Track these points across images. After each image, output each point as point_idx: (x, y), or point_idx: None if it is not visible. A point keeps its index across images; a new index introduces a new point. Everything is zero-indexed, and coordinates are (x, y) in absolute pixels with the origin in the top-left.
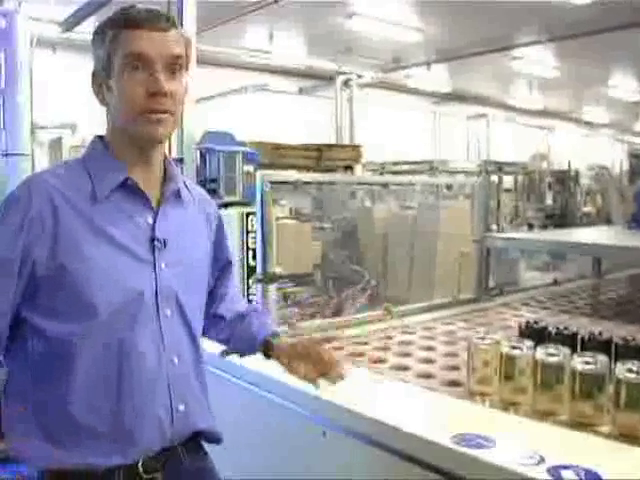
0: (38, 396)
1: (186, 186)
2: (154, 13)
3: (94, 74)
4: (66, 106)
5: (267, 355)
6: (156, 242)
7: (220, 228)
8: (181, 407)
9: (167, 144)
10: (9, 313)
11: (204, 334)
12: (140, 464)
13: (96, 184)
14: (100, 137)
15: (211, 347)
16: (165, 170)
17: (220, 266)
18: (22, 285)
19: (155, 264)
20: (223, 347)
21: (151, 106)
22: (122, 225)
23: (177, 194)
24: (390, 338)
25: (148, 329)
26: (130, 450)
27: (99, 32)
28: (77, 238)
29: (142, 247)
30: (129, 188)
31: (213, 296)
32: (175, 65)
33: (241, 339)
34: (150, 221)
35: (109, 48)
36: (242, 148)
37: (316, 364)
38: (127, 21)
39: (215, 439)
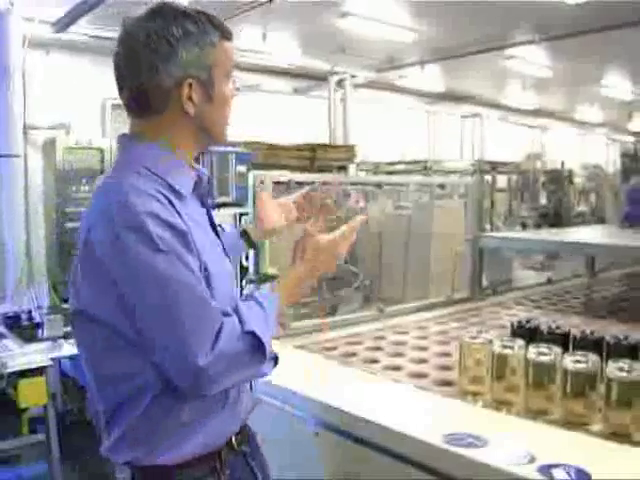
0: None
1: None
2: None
3: (190, 84)
4: (60, 107)
5: (251, 243)
6: (219, 228)
7: None
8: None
9: None
10: None
11: None
12: (234, 439)
13: (176, 185)
14: (140, 138)
15: None
16: None
17: None
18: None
19: (224, 248)
20: None
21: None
22: (203, 218)
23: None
24: (383, 338)
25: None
26: (233, 426)
27: (200, 34)
28: (196, 236)
29: (213, 234)
30: (195, 184)
31: None
32: None
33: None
34: (204, 209)
35: (214, 55)
36: (235, 149)
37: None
38: (225, 32)
39: None
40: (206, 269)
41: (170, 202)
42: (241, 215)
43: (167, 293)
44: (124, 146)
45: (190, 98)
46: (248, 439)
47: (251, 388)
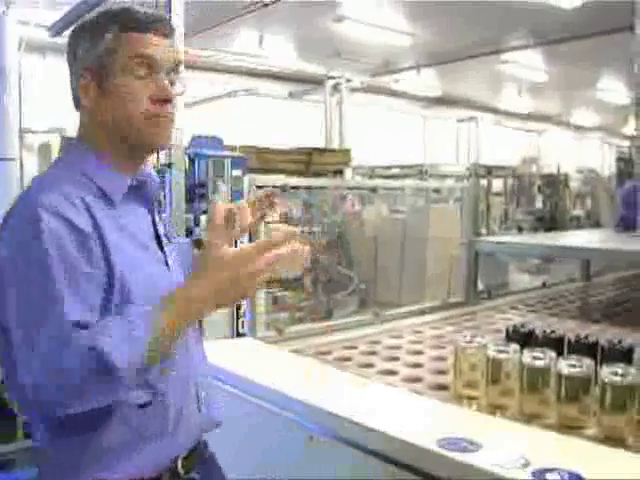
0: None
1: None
2: (160, 17)
3: (81, 75)
4: (55, 110)
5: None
6: (163, 239)
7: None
8: (203, 394)
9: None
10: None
11: None
12: (180, 464)
13: (106, 189)
14: (72, 139)
15: None
16: None
17: None
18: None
19: (167, 261)
20: None
21: (157, 111)
22: (139, 226)
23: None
24: (378, 342)
25: None
26: (173, 450)
27: (95, 27)
28: (115, 243)
29: (154, 245)
30: (133, 188)
31: None
32: (176, 72)
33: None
34: (150, 219)
35: (110, 47)
36: (231, 153)
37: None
38: (134, 22)
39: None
40: (117, 277)
41: (86, 203)
42: None
43: (21, 289)
44: (64, 147)
45: (85, 91)
46: (202, 461)
47: (199, 410)
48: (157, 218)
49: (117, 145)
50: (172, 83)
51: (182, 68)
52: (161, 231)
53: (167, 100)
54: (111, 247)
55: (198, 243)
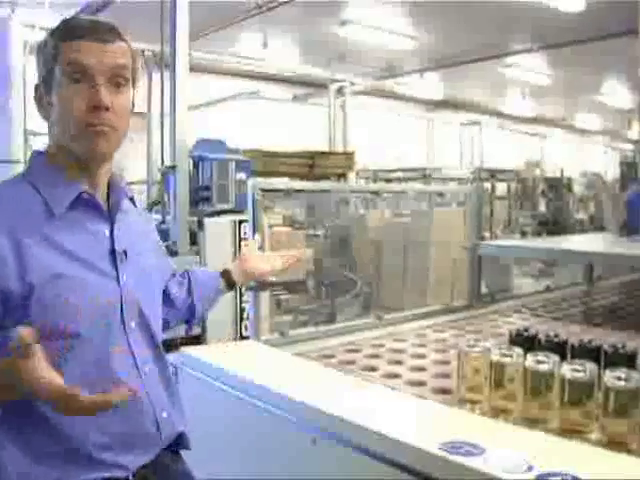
0: (22, 414)
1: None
2: (96, 23)
3: (36, 88)
4: None
5: (232, 284)
6: (117, 254)
7: (159, 240)
8: (164, 414)
9: (160, 152)
10: None
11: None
12: (131, 475)
13: (50, 200)
14: (40, 152)
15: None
16: (109, 182)
17: (169, 275)
18: None
19: (118, 277)
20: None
21: (91, 120)
22: (82, 240)
23: (124, 204)
24: (382, 346)
25: (120, 344)
26: (123, 464)
27: (41, 45)
28: (41, 257)
29: (104, 261)
30: (84, 201)
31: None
32: (119, 78)
33: (203, 293)
34: (107, 234)
35: (49, 60)
36: (235, 156)
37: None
38: (67, 32)
39: (187, 444)
40: (34, 293)
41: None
42: (240, 222)
43: None
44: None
45: (39, 105)
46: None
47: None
48: (118, 233)
49: (66, 156)
50: (116, 91)
51: (138, 76)
52: (120, 247)
53: (102, 107)
54: (30, 264)
55: (226, 274)
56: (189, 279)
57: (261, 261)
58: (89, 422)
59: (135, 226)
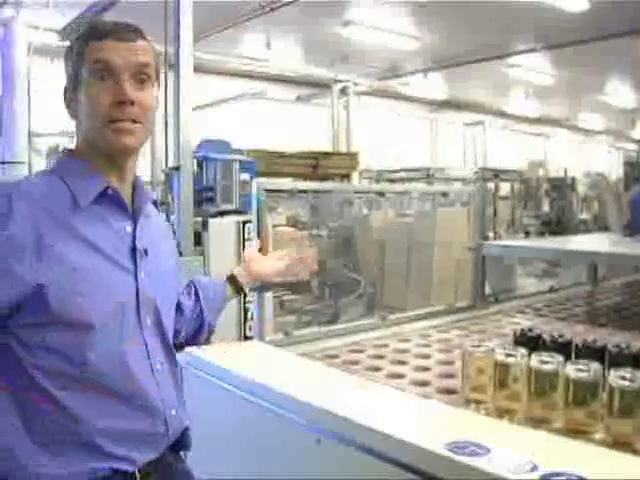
0: (32, 404)
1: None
2: (120, 24)
3: (65, 90)
4: (64, 114)
5: (239, 289)
6: (138, 251)
7: (177, 246)
8: (173, 412)
9: (164, 153)
10: None
11: (178, 336)
12: (137, 471)
13: (76, 193)
14: (70, 150)
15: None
16: (134, 184)
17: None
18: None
19: (136, 273)
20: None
21: (116, 114)
22: (104, 234)
23: (147, 206)
24: (386, 346)
25: (135, 340)
26: (132, 458)
27: (68, 49)
28: (62, 249)
29: (124, 256)
30: (109, 197)
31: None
32: (142, 75)
33: (210, 300)
34: (129, 230)
35: (76, 62)
36: (239, 156)
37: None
38: (92, 33)
39: (188, 444)
40: (50, 282)
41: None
42: (244, 223)
43: None
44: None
45: (67, 105)
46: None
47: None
48: (140, 231)
49: (93, 151)
50: (140, 87)
51: (159, 76)
52: (141, 245)
53: (127, 102)
54: (49, 255)
55: (232, 279)
56: (195, 288)
57: (265, 261)
58: (100, 415)
59: (156, 229)
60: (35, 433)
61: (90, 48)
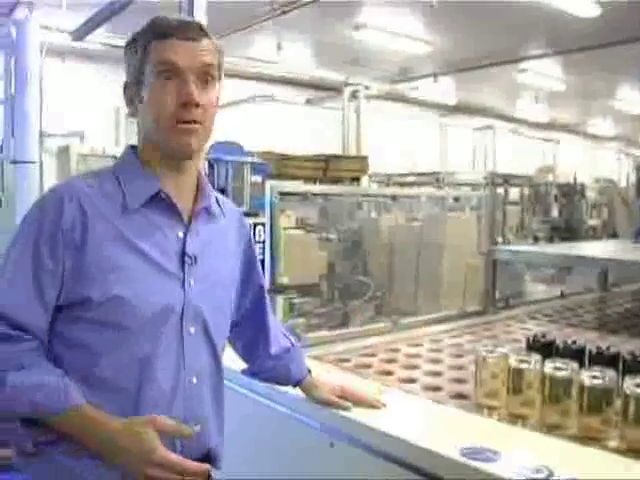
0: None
1: (217, 202)
2: (185, 22)
3: (126, 86)
4: (75, 114)
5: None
6: (186, 258)
7: (251, 250)
8: (197, 427)
9: None
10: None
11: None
12: None
13: (128, 195)
14: (133, 147)
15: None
16: (198, 184)
17: (254, 290)
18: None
19: (184, 280)
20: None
21: (181, 116)
22: (152, 238)
23: (209, 210)
24: (397, 350)
25: (171, 347)
26: None
27: (130, 44)
28: (107, 248)
29: (172, 262)
30: (161, 201)
31: (255, 326)
32: (207, 75)
33: (276, 376)
34: (181, 236)
35: (140, 59)
36: (250, 159)
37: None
38: (157, 31)
39: (217, 461)
40: (90, 279)
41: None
42: (255, 225)
43: None
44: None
45: (129, 102)
46: None
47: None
48: (192, 237)
49: (155, 152)
50: (204, 87)
51: (214, 71)
52: (191, 251)
53: (192, 104)
54: (94, 253)
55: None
56: (290, 351)
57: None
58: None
59: (216, 233)
60: None
61: (155, 46)
